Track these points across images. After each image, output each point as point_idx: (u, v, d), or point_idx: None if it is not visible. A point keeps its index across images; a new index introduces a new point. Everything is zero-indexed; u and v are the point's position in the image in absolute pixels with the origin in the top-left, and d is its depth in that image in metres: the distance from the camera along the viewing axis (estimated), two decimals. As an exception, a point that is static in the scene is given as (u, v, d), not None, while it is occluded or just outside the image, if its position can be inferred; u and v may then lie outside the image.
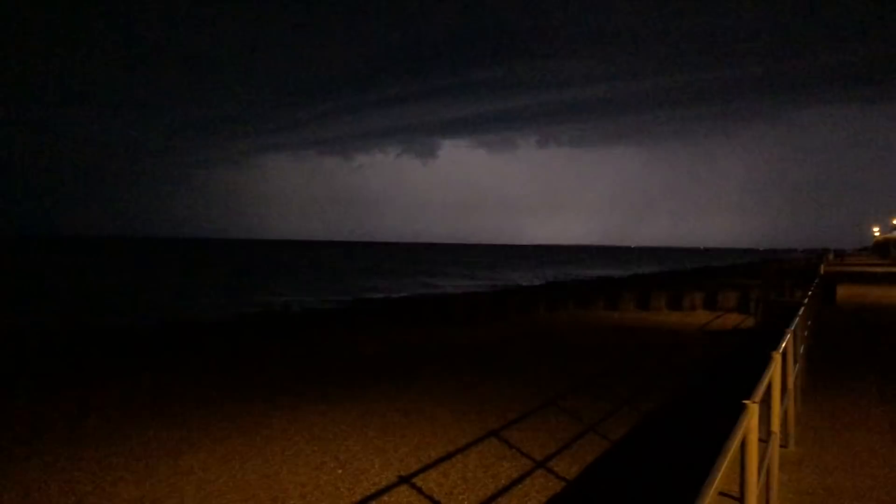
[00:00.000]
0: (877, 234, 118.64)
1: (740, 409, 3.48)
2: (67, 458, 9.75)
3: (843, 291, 26.08)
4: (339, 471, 9.12)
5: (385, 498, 8.24)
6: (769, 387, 5.24)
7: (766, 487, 5.11)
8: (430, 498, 8.23)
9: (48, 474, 9.09)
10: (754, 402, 3.61)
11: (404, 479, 8.77)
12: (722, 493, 5.25)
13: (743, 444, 3.49)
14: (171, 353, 20.11)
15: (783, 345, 6.10)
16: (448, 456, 9.68)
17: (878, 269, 55.47)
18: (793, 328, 7.51)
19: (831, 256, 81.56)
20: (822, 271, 34.11)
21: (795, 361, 7.72)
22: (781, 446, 6.40)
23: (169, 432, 11.01)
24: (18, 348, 21.97)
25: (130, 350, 21.18)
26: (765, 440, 4.99)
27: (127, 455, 9.85)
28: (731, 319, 28.74)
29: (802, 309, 10.31)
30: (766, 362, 5.16)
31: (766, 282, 39.37)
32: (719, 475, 2.72)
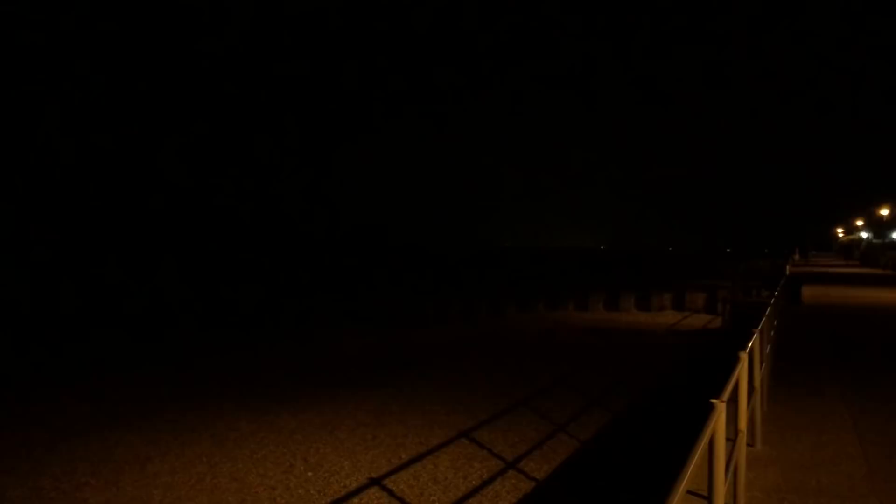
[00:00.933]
0: (841, 235, 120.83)
1: (708, 409, 3.51)
2: (31, 463, 9.56)
3: (808, 291, 26.49)
4: (309, 473, 9.07)
5: (356, 500, 8.21)
6: (736, 386, 5.30)
7: (734, 485, 5.16)
8: (400, 499, 8.21)
9: (11, 480, 8.91)
10: (722, 402, 3.64)
11: (375, 481, 8.73)
12: (690, 492, 5.30)
13: (711, 443, 3.52)
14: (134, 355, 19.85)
15: (750, 344, 6.18)
16: (419, 457, 9.66)
17: (843, 270, 56.51)
18: (759, 328, 7.60)
19: (797, 257, 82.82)
20: (787, 272, 34.63)
21: (762, 361, 7.82)
22: (748, 445, 6.48)
23: (135, 436, 10.84)
24: None
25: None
26: (732, 439, 5.04)
27: (92, 459, 9.69)
28: (700, 320, 29.07)
29: (769, 309, 10.45)
30: (733, 362, 5.22)
31: (734, 282, 39.88)
32: (688, 474, 2.74)
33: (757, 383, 7.04)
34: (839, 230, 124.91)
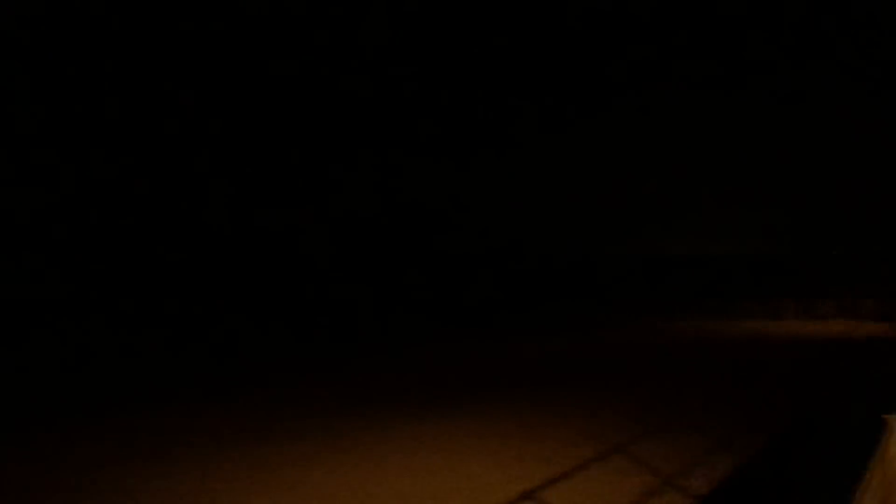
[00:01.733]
0: None
1: (881, 425, 3.31)
2: (201, 470, 10.15)
3: None
4: (460, 483, 9.16)
5: (509, 513, 8.21)
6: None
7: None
8: (554, 513, 8.14)
9: (183, 484, 9.51)
10: (898, 417, 3.42)
11: (528, 495, 8.71)
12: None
13: (886, 461, 3.31)
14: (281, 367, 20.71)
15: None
16: (571, 471, 9.55)
17: None
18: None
19: None
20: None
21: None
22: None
23: (291, 446, 11.26)
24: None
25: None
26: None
27: (258, 467, 10.15)
28: (872, 328, 27.09)
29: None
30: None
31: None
32: (863, 494, 2.60)
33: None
34: None
